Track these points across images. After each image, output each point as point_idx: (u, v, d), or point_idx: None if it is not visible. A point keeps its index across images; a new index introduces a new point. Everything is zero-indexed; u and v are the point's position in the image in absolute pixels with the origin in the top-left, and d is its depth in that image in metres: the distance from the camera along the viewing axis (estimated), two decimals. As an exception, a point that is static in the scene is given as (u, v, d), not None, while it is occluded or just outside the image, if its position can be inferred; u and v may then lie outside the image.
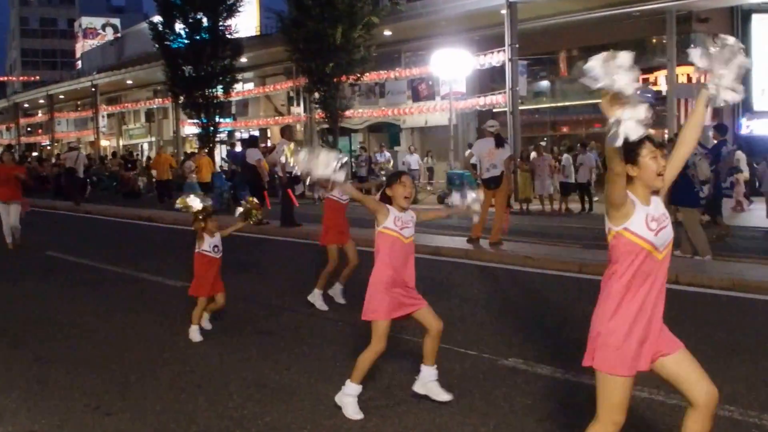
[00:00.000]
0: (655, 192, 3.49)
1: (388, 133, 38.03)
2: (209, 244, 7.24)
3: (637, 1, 26.72)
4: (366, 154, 30.39)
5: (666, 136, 26.26)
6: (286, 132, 16.31)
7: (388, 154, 29.16)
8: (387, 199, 5.24)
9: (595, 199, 21.78)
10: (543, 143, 28.40)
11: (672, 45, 27.75)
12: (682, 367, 3.49)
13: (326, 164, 4.72)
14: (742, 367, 5.90)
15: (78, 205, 24.79)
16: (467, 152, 18.96)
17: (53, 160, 41.80)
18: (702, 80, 3.44)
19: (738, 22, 29.61)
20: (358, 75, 30.58)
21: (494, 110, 31.34)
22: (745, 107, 29.46)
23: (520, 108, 28.66)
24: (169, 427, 4.92)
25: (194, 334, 7.19)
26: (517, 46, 27.40)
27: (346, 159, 5.10)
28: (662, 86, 28.40)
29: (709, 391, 3.46)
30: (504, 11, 27.28)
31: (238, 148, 28.20)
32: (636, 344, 3.40)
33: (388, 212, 5.17)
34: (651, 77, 29.22)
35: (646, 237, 3.36)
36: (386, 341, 5.06)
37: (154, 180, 29.86)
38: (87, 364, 6.43)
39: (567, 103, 32.65)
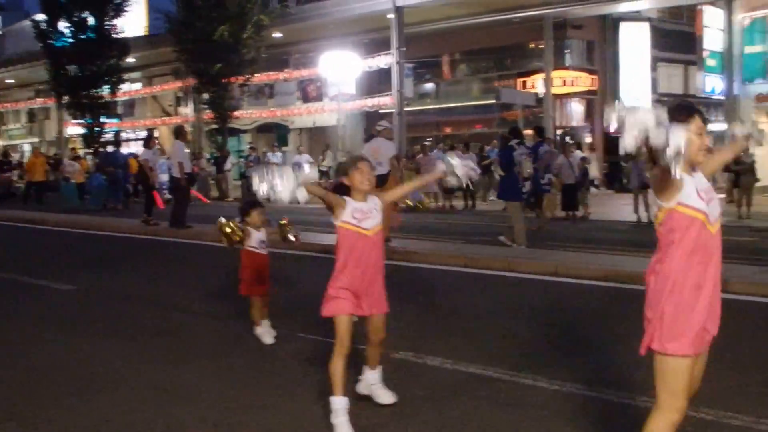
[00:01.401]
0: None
1: (276, 133, 38.13)
2: (256, 240, 6.79)
3: (517, 8, 27.79)
4: (255, 155, 30.43)
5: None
6: (181, 133, 16.40)
7: (280, 155, 29.32)
8: (344, 190, 4.79)
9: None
10: (428, 143, 29.18)
11: (549, 50, 29.08)
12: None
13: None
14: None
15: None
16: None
17: None
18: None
19: (608, 30, 31.25)
20: (248, 76, 30.67)
21: (381, 111, 31.98)
22: (614, 109, 31.05)
23: (406, 109, 29.43)
24: (66, 434, 4.76)
25: (265, 336, 6.75)
26: (403, 49, 28.10)
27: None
28: (539, 89, 29.65)
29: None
30: (391, 15, 27.91)
31: (139, 149, 28.06)
32: (698, 323, 3.29)
33: (345, 204, 4.70)
34: (529, 80, 30.49)
35: (699, 207, 3.26)
36: (349, 341, 4.67)
37: (25, 180, 29.16)
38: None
39: (451, 105, 33.62)
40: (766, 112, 26.06)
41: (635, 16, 31.24)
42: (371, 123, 26.14)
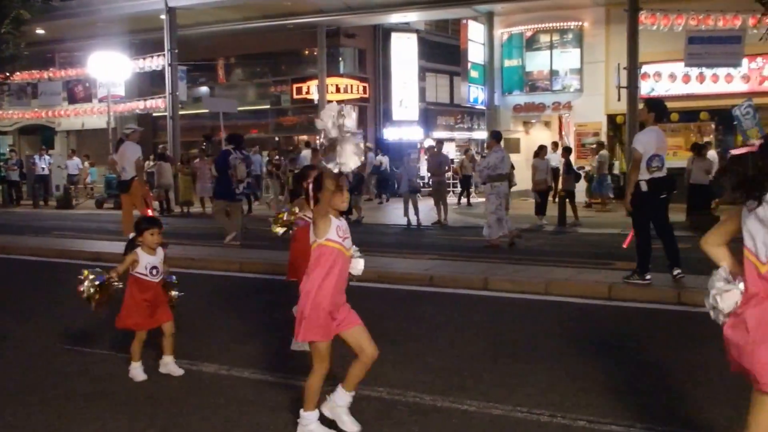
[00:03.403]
0: None
1: (41, 135, 36.06)
2: (145, 265, 5.84)
3: (290, 15, 28.06)
4: (18, 158, 28.62)
5: (319, 140, 27.93)
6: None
7: (48, 158, 27.75)
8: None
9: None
10: (204, 147, 28.73)
11: (323, 57, 29.63)
12: None
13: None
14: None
15: None
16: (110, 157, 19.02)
17: None
18: None
19: (379, 40, 32.37)
20: (8, 74, 28.75)
21: (155, 114, 31.22)
22: (386, 117, 32.25)
23: (180, 113, 28.80)
24: None
25: (137, 372, 5.87)
26: (176, 51, 27.48)
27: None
28: (314, 95, 30.13)
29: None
30: (163, 16, 27.21)
31: None
32: None
33: (330, 221, 4.48)
34: (304, 86, 30.90)
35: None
36: (330, 361, 4.54)
37: None
38: None
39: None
40: (523, 122, 28.07)
41: (405, 28, 32.57)
42: (144, 126, 25.38)
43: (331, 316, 4.45)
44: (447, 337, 7.14)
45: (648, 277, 8.98)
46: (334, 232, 4.46)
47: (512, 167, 20.61)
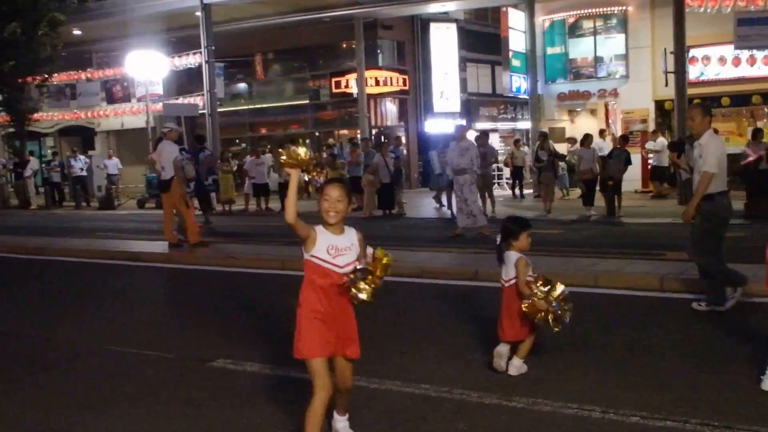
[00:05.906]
0: None
1: (82, 136, 36.35)
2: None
3: (327, 8, 27.85)
4: (59, 159, 28.84)
5: (359, 135, 27.75)
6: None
7: (84, 158, 27.92)
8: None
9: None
10: (244, 145, 28.71)
11: (360, 50, 29.35)
12: None
13: None
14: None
15: None
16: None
17: None
18: None
19: (418, 31, 32.01)
20: (46, 75, 28.97)
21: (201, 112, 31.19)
22: (427, 109, 31.90)
23: (219, 110, 28.73)
24: None
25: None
26: (213, 48, 27.40)
27: None
28: (353, 89, 29.88)
29: None
30: (198, 13, 27.15)
31: None
32: None
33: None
34: (342, 80, 30.67)
35: None
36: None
37: None
38: None
39: (264, 105, 33.31)
40: (568, 110, 27.53)
41: (443, 18, 32.13)
42: (183, 124, 25.35)
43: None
44: (490, 332, 6.82)
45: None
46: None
47: (558, 157, 20.30)
